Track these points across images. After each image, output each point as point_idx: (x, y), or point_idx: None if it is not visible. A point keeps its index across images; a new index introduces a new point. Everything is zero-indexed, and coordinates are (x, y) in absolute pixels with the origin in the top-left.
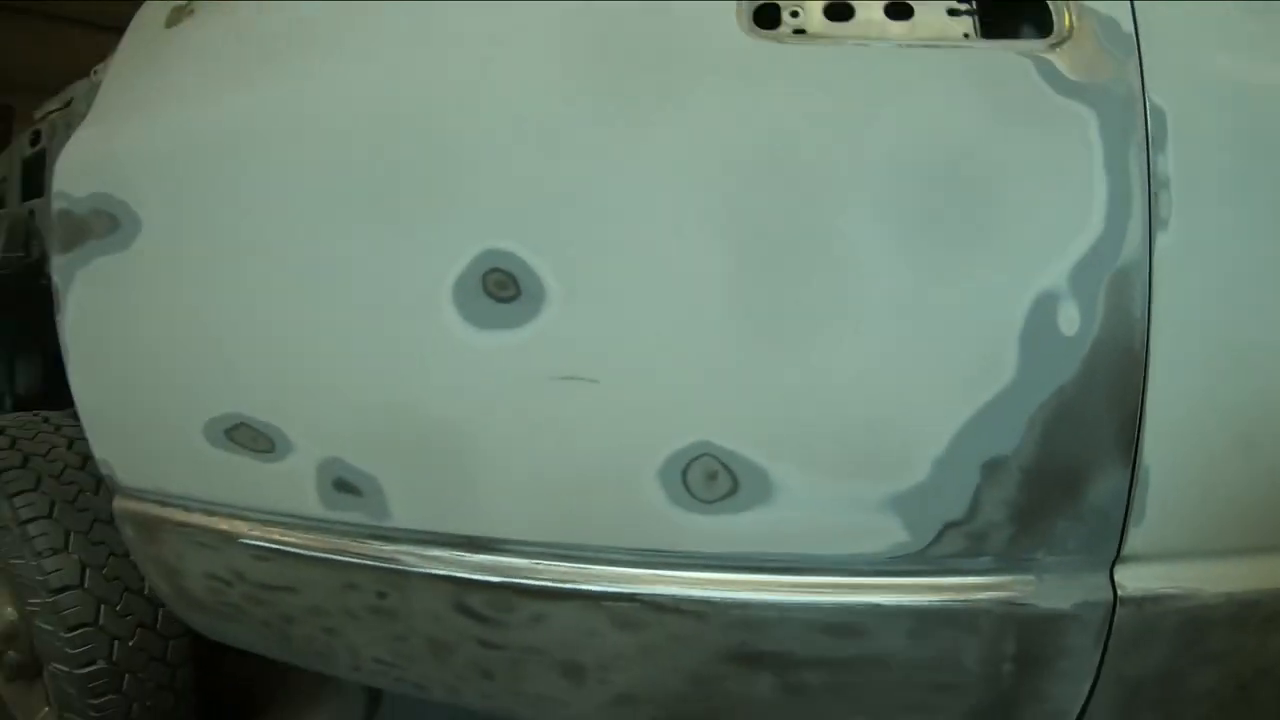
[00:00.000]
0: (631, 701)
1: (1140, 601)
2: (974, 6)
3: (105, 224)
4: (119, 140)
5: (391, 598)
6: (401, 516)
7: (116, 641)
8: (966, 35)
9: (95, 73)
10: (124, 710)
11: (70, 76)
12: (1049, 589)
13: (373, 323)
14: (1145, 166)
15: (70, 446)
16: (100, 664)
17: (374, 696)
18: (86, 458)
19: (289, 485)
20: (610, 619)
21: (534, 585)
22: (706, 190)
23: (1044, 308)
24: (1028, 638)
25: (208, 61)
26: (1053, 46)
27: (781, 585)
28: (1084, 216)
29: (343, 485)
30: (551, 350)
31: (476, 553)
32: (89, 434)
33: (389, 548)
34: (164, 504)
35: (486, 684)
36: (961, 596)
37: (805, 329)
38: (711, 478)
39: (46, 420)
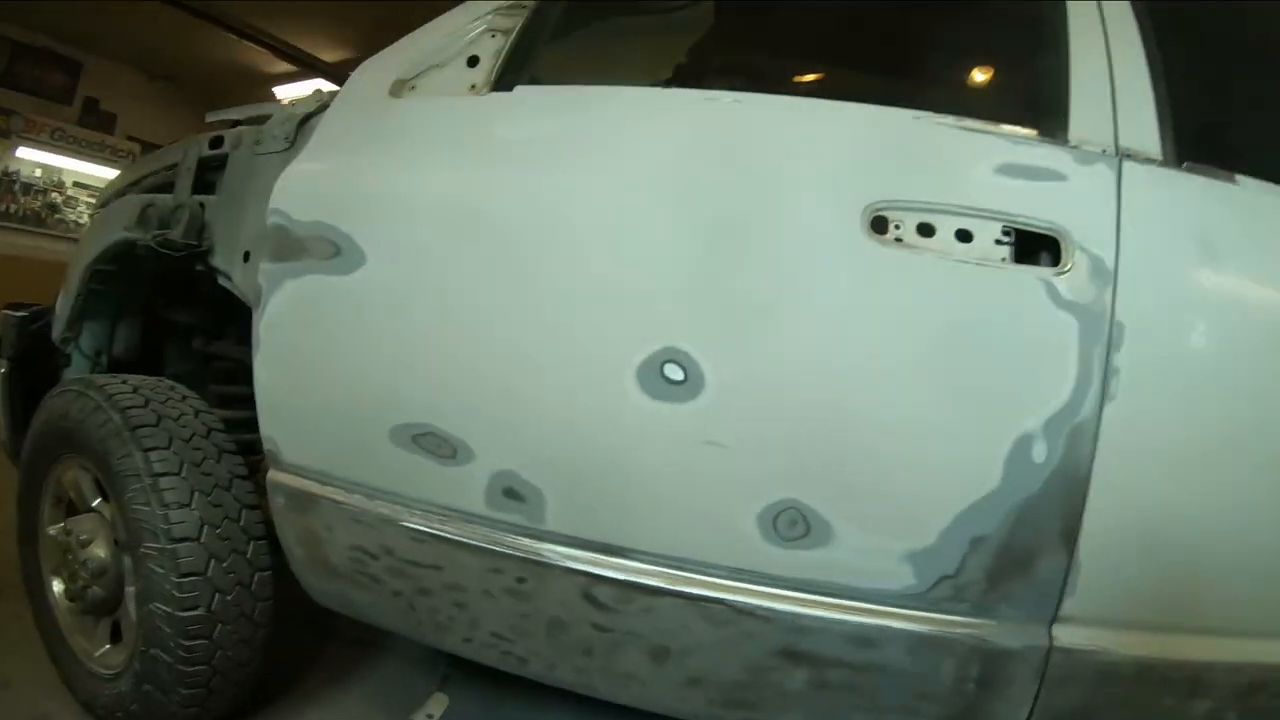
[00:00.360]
0: (698, 685)
1: (1068, 651)
2: (1012, 239)
3: (325, 249)
4: (348, 183)
5: (530, 583)
6: (555, 523)
7: (218, 594)
8: (1004, 259)
9: (292, 104)
10: (209, 655)
11: (133, 42)
12: (1005, 632)
13: (571, 380)
14: (1105, 360)
15: (196, 416)
16: (200, 610)
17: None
18: (211, 429)
19: (460, 486)
20: (701, 615)
21: (650, 585)
22: (818, 337)
23: (1023, 444)
24: (987, 666)
25: (435, 137)
26: (1058, 274)
27: (825, 604)
28: (1058, 389)
29: (510, 493)
30: (703, 422)
31: (611, 556)
32: (262, 413)
33: (538, 545)
34: (325, 483)
35: (584, 660)
36: (945, 629)
37: (871, 440)
38: (793, 524)
39: (173, 388)
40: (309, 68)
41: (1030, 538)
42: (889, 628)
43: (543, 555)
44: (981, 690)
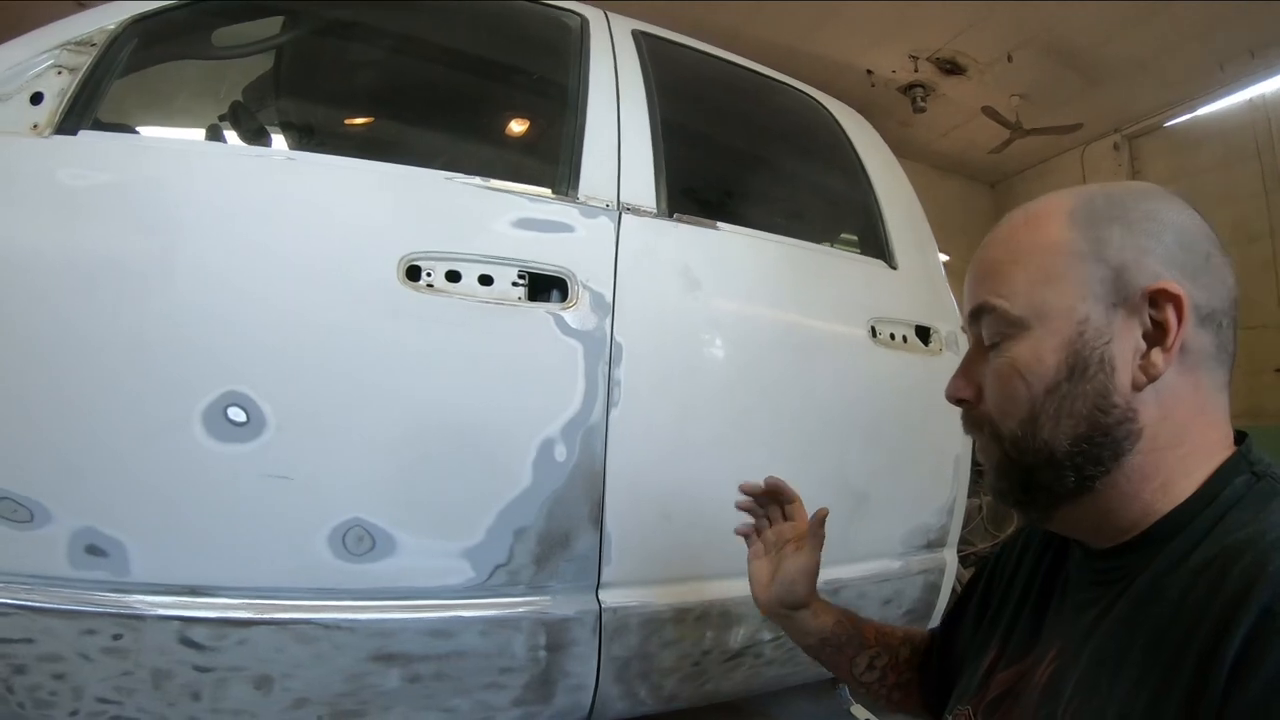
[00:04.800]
0: (305, 704)
1: (616, 610)
2: (526, 282)
3: None
4: None
5: (126, 637)
6: (141, 573)
7: None
8: (519, 299)
9: None
10: None
11: None
12: (560, 603)
13: (140, 429)
14: (607, 374)
15: None
16: None
17: None
18: None
19: (41, 551)
20: (293, 637)
21: (240, 617)
22: (363, 374)
23: (547, 447)
24: (551, 633)
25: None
26: (565, 309)
27: (402, 607)
28: (570, 400)
29: (93, 549)
30: (266, 458)
31: (199, 596)
32: None
33: (127, 597)
34: None
35: (194, 705)
36: (509, 610)
37: (417, 458)
38: (360, 540)
39: None
40: None
41: (564, 523)
42: (460, 617)
43: (134, 607)
44: (552, 655)
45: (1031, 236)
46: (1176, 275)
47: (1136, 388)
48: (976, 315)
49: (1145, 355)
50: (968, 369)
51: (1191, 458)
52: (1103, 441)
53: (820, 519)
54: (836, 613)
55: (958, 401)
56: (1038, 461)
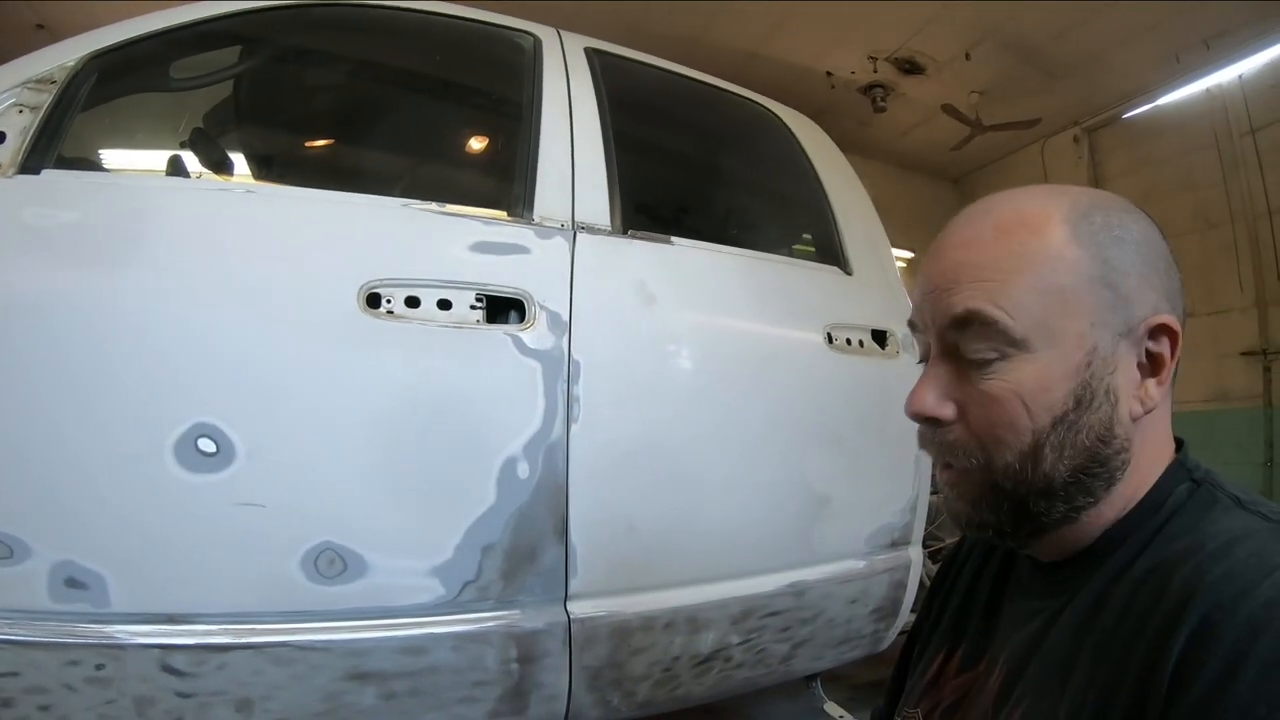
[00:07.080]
0: None
1: (584, 621)
2: (484, 304)
3: None
4: None
5: (108, 667)
6: (120, 603)
7: None
8: (478, 322)
9: None
10: None
11: None
12: (529, 616)
13: (113, 463)
14: (566, 391)
15: None
16: None
17: None
18: None
19: (22, 585)
20: (270, 659)
21: (219, 643)
22: (328, 402)
23: (509, 465)
24: (522, 646)
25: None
26: (523, 329)
27: (375, 626)
28: (530, 418)
29: (73, 582)
30: (237, 487)
31: (178, 624)
32: None
33: (108, 628)
34: None
35: None
36: (480, 625)
37: (383, 480)
38: (332, 563)
39: None
40: None
41: (530, 538)
42: (433, 634)
43: (115, 637)
44: (525, 667)
45: (1032, 243)
46: (1167, 307)
47: (1133, 418)
48: (962, 323)
49: (1141, 386)
50: (942, 383)
51: (1149, 470)
52: (1099, 472)
53: None
54: None
55: (927, 420)
56: (1031, 492)
